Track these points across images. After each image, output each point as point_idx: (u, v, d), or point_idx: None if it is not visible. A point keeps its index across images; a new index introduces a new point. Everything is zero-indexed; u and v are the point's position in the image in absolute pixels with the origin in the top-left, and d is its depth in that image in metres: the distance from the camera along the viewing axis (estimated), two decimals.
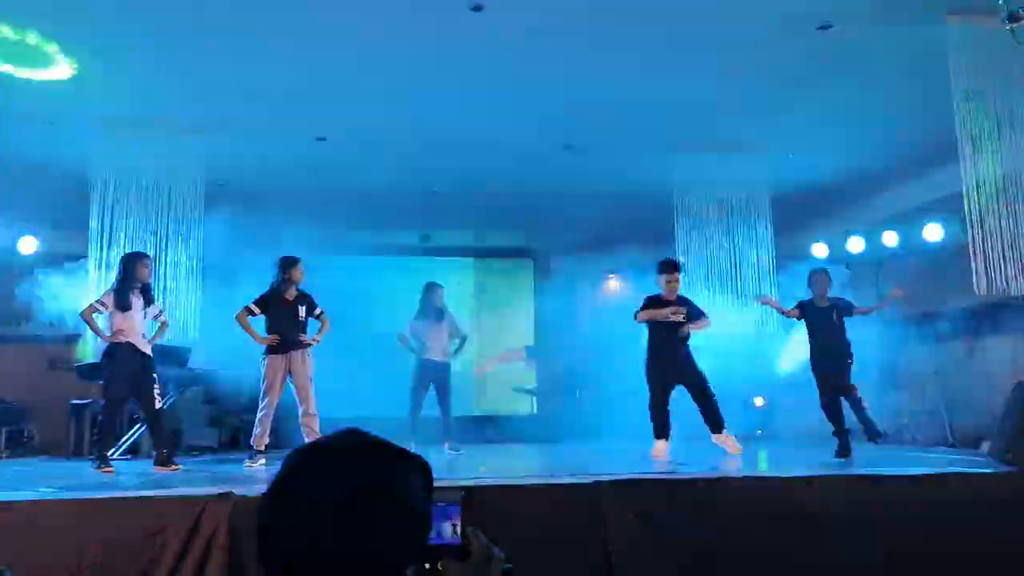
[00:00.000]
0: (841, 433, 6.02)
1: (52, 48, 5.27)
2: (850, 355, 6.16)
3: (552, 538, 3.44)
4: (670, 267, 6.32)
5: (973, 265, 5.09)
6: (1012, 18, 3.52)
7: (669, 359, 6.12)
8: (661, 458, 5.87)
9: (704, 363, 6.27)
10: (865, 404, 6.11)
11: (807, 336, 6.33)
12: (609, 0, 4.79)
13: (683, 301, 6.31)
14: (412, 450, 1.10)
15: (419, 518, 1.02)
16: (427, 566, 0.96)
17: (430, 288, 7.53)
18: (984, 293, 5.15)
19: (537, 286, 11.28)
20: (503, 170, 7.94)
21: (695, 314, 6.28)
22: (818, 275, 6.39)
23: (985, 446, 5.97)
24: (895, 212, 8.51)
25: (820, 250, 9.31)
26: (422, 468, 1.08)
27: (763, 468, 5.64)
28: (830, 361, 6.12)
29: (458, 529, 0.98)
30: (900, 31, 5.14)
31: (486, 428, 9.34)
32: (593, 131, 6.97)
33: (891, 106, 6.38)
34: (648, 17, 5.00)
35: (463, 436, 7.60)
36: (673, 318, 6.13)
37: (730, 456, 5.94)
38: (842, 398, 6.09)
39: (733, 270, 7.77)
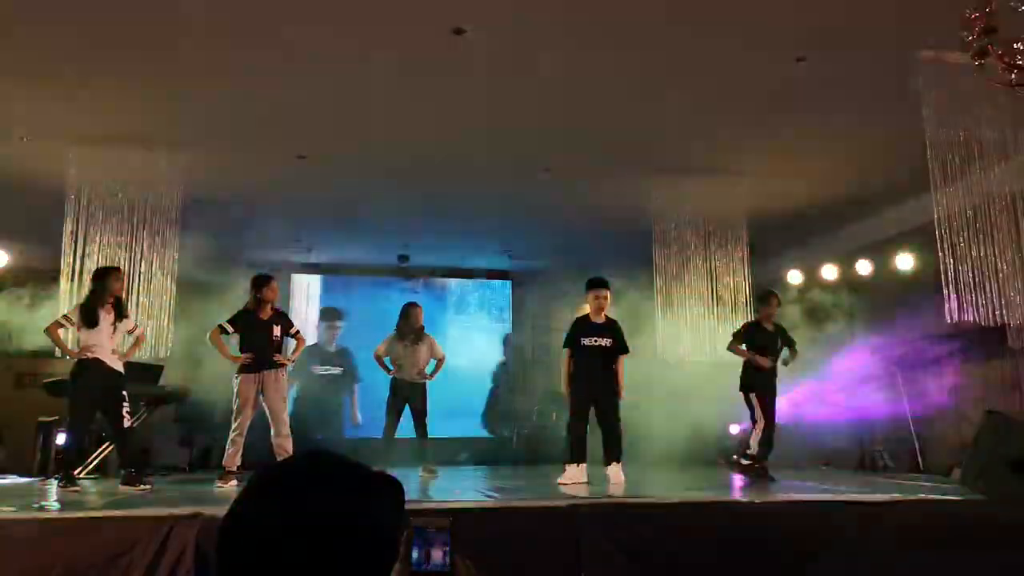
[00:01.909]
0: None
1: None
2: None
3: (526, 562, 3.41)
4: (596, 284, 6.15)
5: (945, 294, 5.18)
6: (981, 53, 3.61)
7: (592, 387, 5.97)
8: (571, 483, 5.65)
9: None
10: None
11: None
12: (588, 26, 4.86)
13: (611, 324, 6.11)
14: (386, 471, 1.08)
15: (384, 541, 1.00)
16: None
17: (408, 308, 7.51)
18: (955, 321, 5.23)
19: (514, 308, 11.30)
20: (481, 192, 7.97)
21: (620, 345, 6.06)
22: (771, 298, 6.45)
23: (956, 474, 6.04)
24: (868, 241, 8.64)
25: (794, 277, 9.42)
26: (392, 489, 1.07)
27: (738, 493, 5.64)
28: (770, 388, 6.23)
29: (447, 556, 0.97)
30: (874, 65, 5.26)
31: (462, 451, 9.27)
32: (571, 154, 7.02)
33: (865, 136, 6.51)
34: (627, 44, 5.07)
35: (440, 458, 7.54)
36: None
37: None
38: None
39: (711, 295, 7.81)
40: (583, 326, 6.11)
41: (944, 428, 7.78)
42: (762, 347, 6.39)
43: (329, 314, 7.80)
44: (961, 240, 5.24)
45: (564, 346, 6.17)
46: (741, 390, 6.47)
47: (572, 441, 5.94)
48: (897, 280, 8.03)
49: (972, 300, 5.19)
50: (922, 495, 4.69)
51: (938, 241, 5.26)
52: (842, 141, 6.65)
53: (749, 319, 7.12)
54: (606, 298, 6.12)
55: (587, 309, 6.20)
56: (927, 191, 5.32)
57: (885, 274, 8.27)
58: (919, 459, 7.70)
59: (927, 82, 5.02)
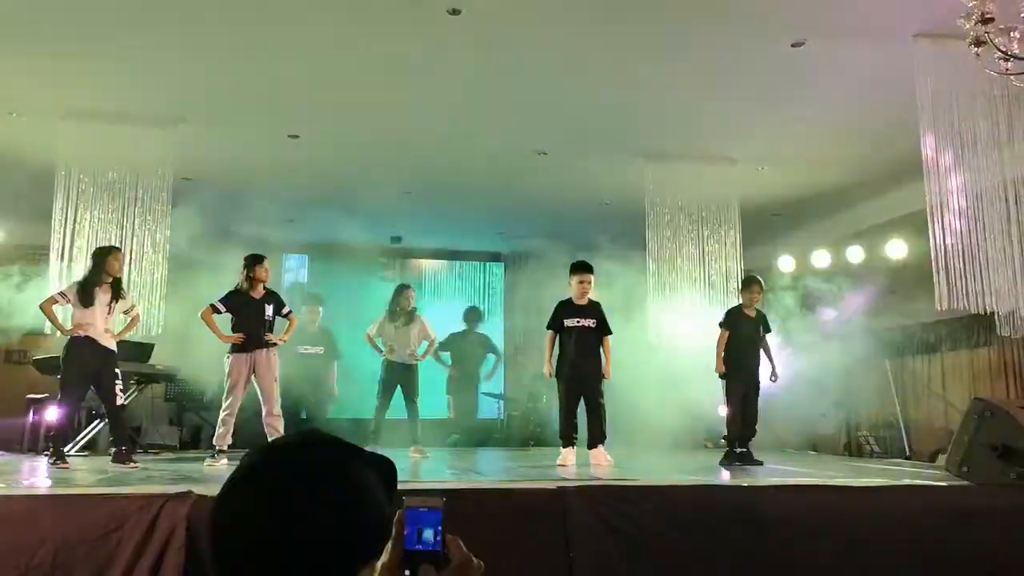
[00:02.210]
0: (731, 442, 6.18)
1: None
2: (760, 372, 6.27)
3: (516, 542, 3.43)
4: (580, 268, 6.20)
5: (935, 280, 5.20)
6: (978, 42, 3.61)
7: (577, 368, 6.01)
8: (569, 465, 5.71)
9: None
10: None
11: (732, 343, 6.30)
12: (585, 7, 4.83)
13: (594, 306, 6.16)
14: (377, 452, 1.09)
15: (375, 519, 1.01)
16: (407, 573, 0.95)
17: (400, 290, 7.51)
18: (945, 309, 5.26)
19: (507, 290, 11.30)
20: (476, 173, 7.95)
21: (603, 326, 6.12)
22: (753, 284, 6.46)
23: (941, 460, 6.10)
24: (860, 228, 8.67)
25: (786, 263, 9.44)
26: (383, 468, 1.07)
27: (725, 476, 5.69)
28: (747, 373, 6.21)
29: (439, 536, 0.97)
30: (869, 51, 5.25)
31: (452, 432, 9.30)
32: (567, 137, 7.00)
33: (859, 123, 6.51)
34: (623, 27, 5.04)
35: (430, 440, 7.57)
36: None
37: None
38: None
39: (703, 279, 7.83)
40: (566, 308, 6.18)
41: (930, 414, 7.86)
42: (744, 334, 6.41)
43: (311, 299, 8.28)
44: (952, 227, 5.26)
45: (547, 328, 6.23)
46: (721, 377, 6.48)
47: (564, 423, 5.98)
48: (888, 267, 8.06)
49: (962, 287, 5.21)
50: (907, 480, 4.74)
51: (930, 228, 5.28)
52: (836, 127, 6.64)
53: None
54: (589, 282, 6.17)
55: (571, 292, 6.22)
56: (920, 178, 5.33)
57: (876, 260, 8.31)
58: (906, 445, 7.78)
59: (922, 69, 5.03)
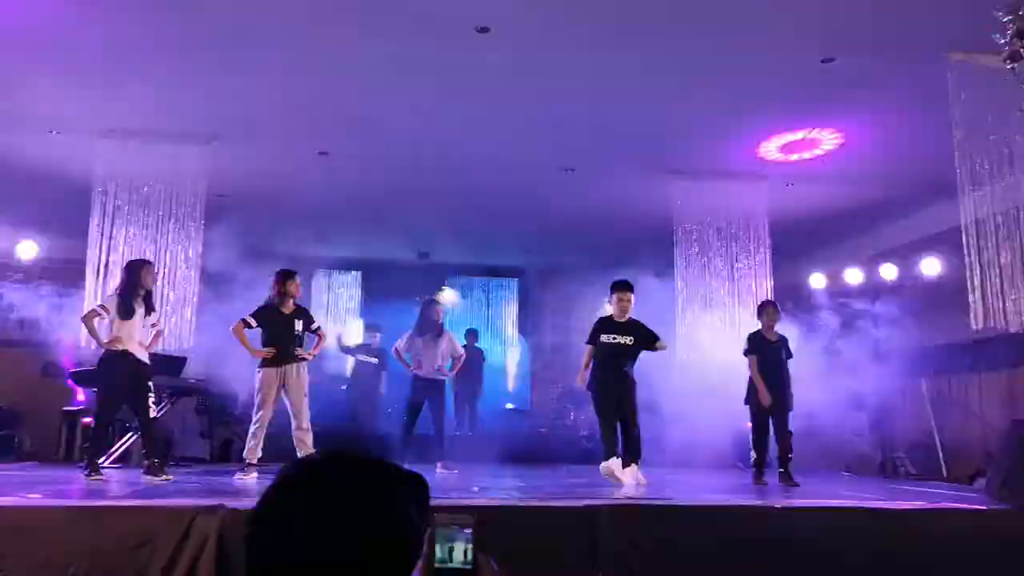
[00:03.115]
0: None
1: None
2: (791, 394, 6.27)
3: (542, 562, 3.41)
4: (621, 286, 6.23)
5: (971, 300, 5.11)
6: (1013, 57, 3.56)
7: (612, 384, 6.02)
8: (618, 475, 5.72)
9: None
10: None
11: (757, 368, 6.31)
12: (614, 25, 4.84)
13: (634, 324, 6.17)
14: (405, 467, 1.09)
15: (409, 536, 1.01)
16: None
17: (429, 304, 7.53)
18: (981, 328, 5.16)
19: (535, 306, 11.30)
20: (503, 189, 7.98)
21: (648, 336, 6.15)
22: (767, 307, 6.43)
23: (980, 482, 5.96)
24: (893, 245, 8.54)
25: (818, 280, 9.33)
26: (417, 485, 1.08)
27: (757, 497, 5.61)
28: (776, 395, 6.19)
29: (469, 553, 0.97)
30: (902, 65, 5.20)
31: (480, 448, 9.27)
32: (595, 154, 7.01)
33: (892, 140, 6.43)
34: (652, 42, 5.05)
35: (458, 455, 7.55)
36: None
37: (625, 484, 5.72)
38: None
39: (732, 297, 7.76)
40: (605, 324, 6.22)
41: (968, 436, 7.68)
42: (770, 359, 6.36)
43: (370, 328, 10.06)
44: (988, 245, 5.17)
45: (587, 343, 6.27)
46: (746, 401, 6.44)
47: (605, 435, 5.99)
48: (923, 285, 7.92)
49: (999, 305, 5.11)
50: (945, 504, 4.63)
51: (965, 246, 5.19)
52: (868, 143, 6.57)
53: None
54: (629, 300, 6.20)
55: (610, 310, 6.29)
56: (954, 195, 5.25)
57: (910, 279, 8.17)
58: (942, 467, 7.60)
59: (956, 84, 4.96)
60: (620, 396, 6.01)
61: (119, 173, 6.82)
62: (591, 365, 6.16)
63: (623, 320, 6.16)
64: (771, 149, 6.85)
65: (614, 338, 6.09)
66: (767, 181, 7.40)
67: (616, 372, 6.03)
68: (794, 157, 6.95)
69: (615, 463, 5.82)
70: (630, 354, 6.10)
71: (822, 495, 5.40)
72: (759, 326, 6.50)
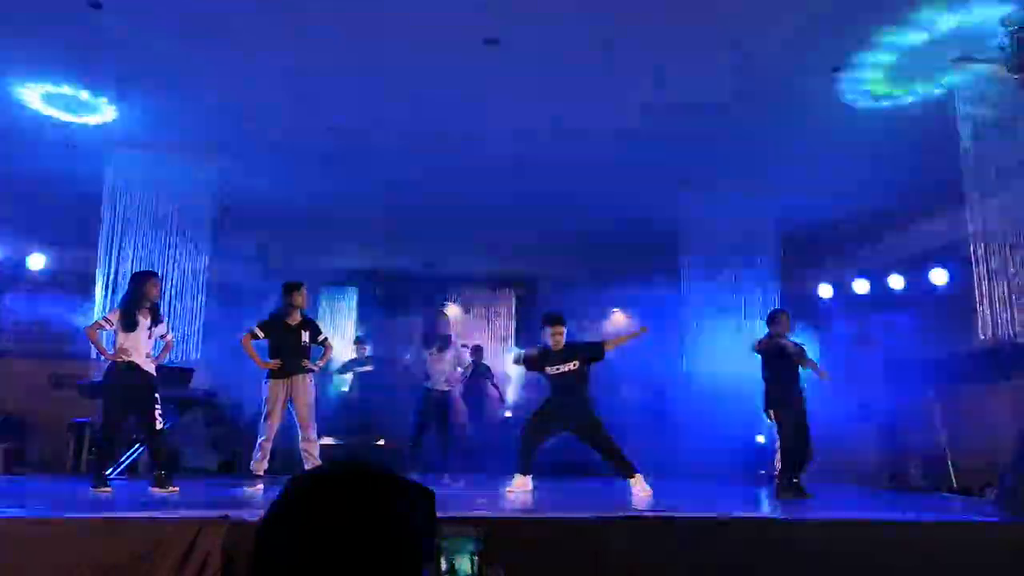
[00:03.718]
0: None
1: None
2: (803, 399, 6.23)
3: (549, 574, 3.40)
4: (554, 320, 6.29)
5: (979, 310, 5.08)
6: (1019, 67, 3.56)
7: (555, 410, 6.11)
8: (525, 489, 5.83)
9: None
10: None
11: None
12: (621, 35, 4.86)
13: (570, 348, 6.24)
14: (411, 479, 1.09)
15: (416, 548, 1.01)
16: None
17: (435, 316, 7.55)
18: (989, 338, 5.13)
19: (538, 316, 11.28)
20: (508, 199, 7.99)
21: (587, 353, 6.20)
22: (779, 315, 6.39)
23: (990, 494, 5.91)
24: (901, 256, 8.51)
25: (825, 291, 9.30)
26: (424, 497, 1.08)
27: (765, 509, 5.58)
28: (796, 401, 6.17)
29: (476, 565, 0.97)
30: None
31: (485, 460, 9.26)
32: (601, 163, 7.01)
33: (899, 150, 6.42)
34: (658, 52, 5.07)
35: (462, 466, 7.54)
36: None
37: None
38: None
39: (740, 306, 7.74)
40: (547, 357, 6.25)
41: (978, 446, 7.62)
42: (782, 368, 6.31)
43: (359, 340, 10.17)
44: (996, 255, 5.15)
45: (528, 368, 6.47)
46: (765, 409, 6.38)
47: (522, 450, 6.08)
48: (931, 295, 7.89)
49: (1007, 315, 5.08)
50: (955, 516, 4.59)
51: (972, 255, 5.17)
52: (876, 153, 6.56)
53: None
54: (562, 333, 6.24)
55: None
56: (962, 204, 5.23)
57: (918, 289, 8.13)
58: (952, 478, 7.54)
59: (961, 93, 4.96)
60: (576, 425, 6.07)
61: (128, 185, 6.86)
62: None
63: (560, 349, 6.20)
64: None
65: (558, 369, 6.15)
66: (775, 191, 7.38)
67: (568, 402, 6.09)
68: None
69: (523, 480, 5.95)
70: (579, 378, 6.14)
71: (831, 507, 5.37)
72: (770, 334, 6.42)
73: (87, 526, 3.49)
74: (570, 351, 6.21)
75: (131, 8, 4.64)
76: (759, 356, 6.29)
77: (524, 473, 5.99)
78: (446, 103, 5.82)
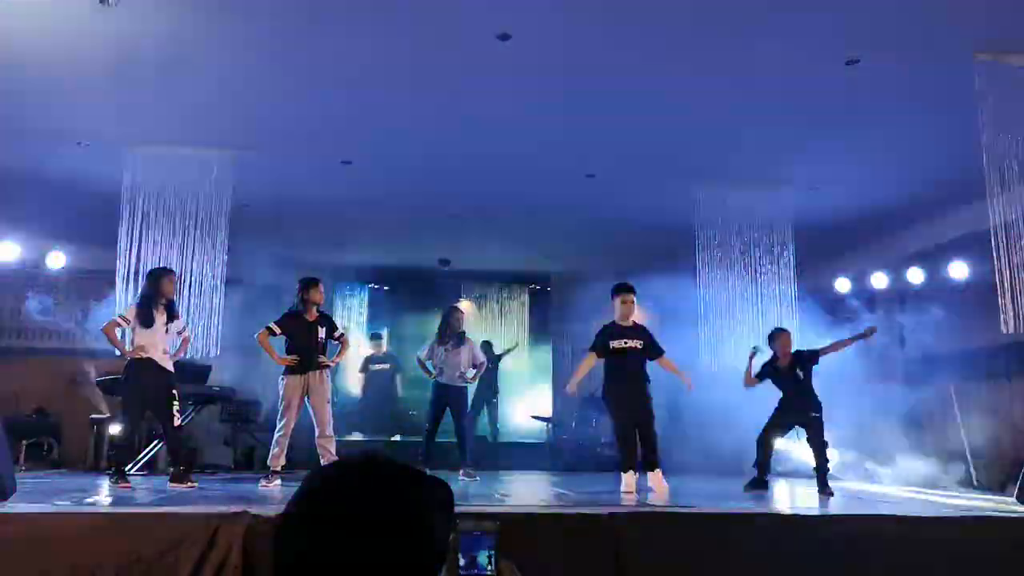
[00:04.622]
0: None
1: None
2: (818, 407, 6.15)
3: (565, 568, 3.39)
4: (624, 288, 6.13)
5: (1000, 304, 5.02)
6: None
7: (625, 393, 5.92)
8: (631, 491, 5.62)
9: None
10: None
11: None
12: (634, 31, 4.83)
13: (640, 327, 6.08)
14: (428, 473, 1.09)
15: (434, 543, 1.01)
16: None
17: (450, 312, 7.55)
18: (1011, 332, 5.07)
19: (555, 313, 11.28)
20: (524, 196, 7.98)
21: (653, 346, 6.05)
22: (779, 335, 6.36)
23: (1011, 490, 5.84)
24: (920, 249, 8.42)
25: (843, 285, 9.22)
26: (442, 492, 1.08)
27: (780, 506, 5.55)
28: (795, 413, 6.16)
29: (493, 559, 0.97)
30: (928, 66, 5.13)
31: (501, 455, 9.29)
32: (616, 160, 6.98)
33: (918, 141, 6.35)
34: (673, 49, 5.03)
35: (480, 462, 7.56)
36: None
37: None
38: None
39: (754, 303, 7.69)
40: (612, 330, 6.07)
41: (998, 442, 7.54)
42: (781, 388, 6.29)
43: (375, 337, 10.61)
44: (1018, 248, 5.09)
45: (590, 349, 6.14)
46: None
47: (623, 448, 5.88)
48: (951, 289, 7.80)
49: None
50: (976, 511, 4.55)
51: (993, 249, 5.11)
52: (895, 146, 6.49)
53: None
54: (632, 302, 6.08)
55: (615, 314, 6.16)
56: (982, 197, 5.16)
57: (938, 282, 8.04)
58: (972, 474, 7.47)
59: (984, 85, 4.89)
60: (634, 401, 5.88)
61: (146, 183, 6.90)
62: (604, 375, 6.05)
63: (628, 324, 6.05)
64: None
65: (624, 343, 5.96)
66: (791, 185, 7.32)
67: (631, 378, 5.92)
68: None
69: (631, 477, 5.72)
70: (641, 358, 5.98)
71: (851, 503, 5.33)
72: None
73: (109, 522, 3.52)
74: (641, 329, 6.07)
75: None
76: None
77: (628, 469, 5.76)
78: (460, 97, 5.81)
